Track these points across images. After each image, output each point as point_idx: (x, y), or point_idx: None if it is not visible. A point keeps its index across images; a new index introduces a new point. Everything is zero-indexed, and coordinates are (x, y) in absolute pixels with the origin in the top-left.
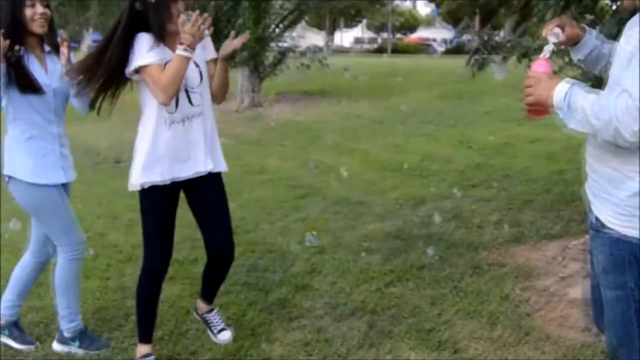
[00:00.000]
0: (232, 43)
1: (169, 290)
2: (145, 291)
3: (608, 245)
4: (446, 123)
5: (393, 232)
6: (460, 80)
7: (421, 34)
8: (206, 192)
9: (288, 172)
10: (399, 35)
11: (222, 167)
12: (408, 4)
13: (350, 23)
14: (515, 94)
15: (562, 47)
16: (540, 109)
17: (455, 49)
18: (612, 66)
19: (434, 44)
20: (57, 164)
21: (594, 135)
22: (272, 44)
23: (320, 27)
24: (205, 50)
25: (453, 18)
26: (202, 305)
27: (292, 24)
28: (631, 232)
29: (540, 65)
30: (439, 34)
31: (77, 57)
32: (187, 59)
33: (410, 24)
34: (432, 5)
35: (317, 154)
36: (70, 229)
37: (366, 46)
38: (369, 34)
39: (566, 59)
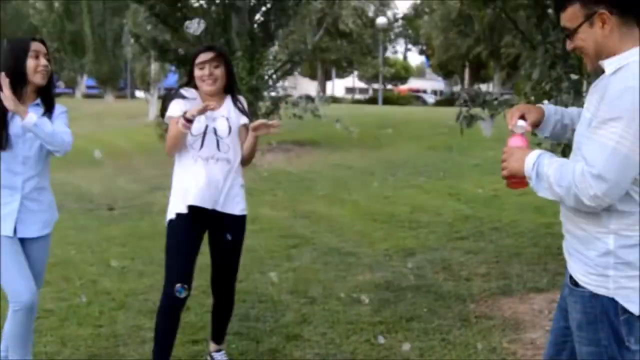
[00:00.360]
0: (267, 128)
1: None
2: (165, 319)
3: (581, 303)
4: (436, 175)
5: (382, 283)
6: (450, 132)
7: (412, 84)
8: (222, 232)
9: (280, 222)
10: (390, 86)
11: (236, 210)
12: (399, 55)
13: (342, 73)
14: (503, 148)
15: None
16: (518, 180)
17: (446, 100)
18: (575, 132)
19: (425, 95)
20: (12, 216)
21: (561, 201)
22: (265, 94)
23: (312, 77)
24: (241, 115)
25: (444, 69)
26: (211, 345)
27: (286, 74)
28: (602, 290)
29: (515, 140)
30: (430, 84)
31: (72, 102)
32: (183, 132)
33: (402, 74)
34: (423, 57)
35: (309, 204)
36: (14, 281)
37: (357, 96)
38: (361, 84)
39: None
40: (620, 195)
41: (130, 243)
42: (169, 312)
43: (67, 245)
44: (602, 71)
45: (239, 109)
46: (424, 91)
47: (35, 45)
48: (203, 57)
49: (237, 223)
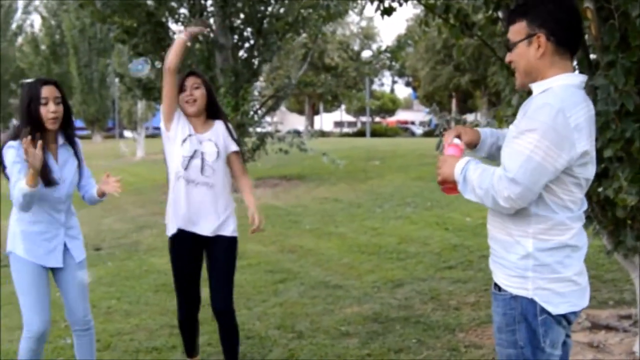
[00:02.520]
0: (249, 212)
1: None
2: (184, 327)
3: (501, 306)
4: (423, 205)
5: (371, 315)
6: (436, 162)
7: (400, 116)
8: (215, 253)
9: (267, 256)
10: (378, 119)
11: (227, 232)
12: (386, 88)
13: (330, 107)
14: None
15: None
16: (451, 186)
17: (433, 131)
18: (503, 146)
19: (412, 127)
20: (60, 249)
21: (482, 203)
22: (251, 129)
23: (300, 112)
24: (229, 142)
25: (430, 101)
26: None
27: (271, 109)
28: (521, 292)
29: (450, 150)
30: (417, 116)
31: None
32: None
33: (389, 107)
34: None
35: (296, 238)
36: (30, 310)
37: (346, 129)
38: (349, 118)
39: None
40: (532, 199)
41: (117, 283)
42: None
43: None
44: (529, 90)
45: (229, 135)
46: (412, 123)
47: (45, 91)
48: (187, 81)
49: (228, 244)
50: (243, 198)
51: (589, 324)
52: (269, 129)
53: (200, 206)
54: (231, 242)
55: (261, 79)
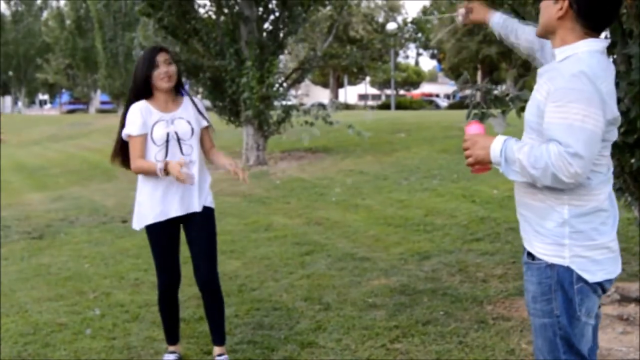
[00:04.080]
0: (227, 166)
1: None
2: (162, 304)
3: (536, 275)
4: (449, 178)
5: (398, 287)
6: (462, 135)
7: (424, 89)
8: (197, 226)
9: (293, 229)
10: (402, 92)
11: (208, 202)
12: (411, 60)
13: (354, 80)
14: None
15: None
16: (481, 167)
17: (459, 104)
18: (526, 110)
19: (437, 100)
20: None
21: (534, 182)
22: (277, 102)
23: (325, 84)
24: (200, 118)
25: (455, 73)
26: (215, 349)
27: (296, 82)
28: (558, 260)
29: (473, 128)
30: (442, 89)
31: (86, 118)
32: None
33: (414, 79)
34: (435, 61)
35: (322, 210)
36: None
37: (370, 102)
38: (373, 91)
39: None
40: (590, 169)
41: (144, 255)
42: (166, 300)
43: (81, 258)
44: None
45: (198, 110)
46: (437, 95)
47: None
48: (160, 57)
49: (208, 214)
50: (218, 163)
51: (618, 296)
52: (294, 101)
53: (186, 185)
54: (210, 212)
55: (286, 51)
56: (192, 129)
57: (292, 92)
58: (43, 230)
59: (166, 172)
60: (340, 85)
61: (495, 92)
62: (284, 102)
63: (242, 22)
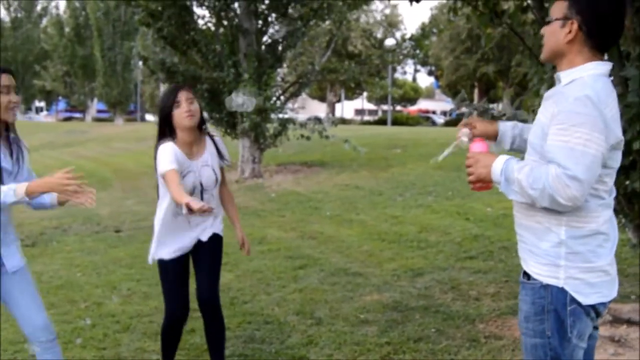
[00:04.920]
0: (238, 233)
1: None
2: (166, 335)
3: (530, 295)
4: (444, 195)
5: (390, 303)
6: (458, 152)
7: (421, 106)
8: (204, 250)
9: (287, 242)
10: (399, 107)
11: (218, 230)
12: (408, 77)
13: (352, 95)
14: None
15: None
16: (482, 185)
17: (455, 121)
18: (530, 133)
19: (434, 116)
20: None
21: (533, 203)
22: (273, 115)
23: (322, 99)
24: (222, 158)
25: (453, 90)
26: None
27: (294, 95)
28: (552, 281)
29: (477, 146)
30: (439, 105)
31: (82, 126)
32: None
33: (411, 96)
34: (432, 78)
35: (316, 225)
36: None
37: (367, 117)
38: (370, 106)
39: None
40: (588, 192)
41: (137, 265)
42: (170, 331)
43: (73, 267)
44: (552, 66)
45: (218, 151)
46: (433, 112)
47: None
48: (181, 95)
49: (216, 240)
50: (228, 216)
51: (611, 317)
52: (291, 114)
53: (198, 224)
54: (218, 239)
55: (285, 64)
56: (217, 179)
57: (289, 105)
58: (36, 238)
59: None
60: (337, 99)
61: (492, 111)
62: (280, 115)
63: (241, 34)
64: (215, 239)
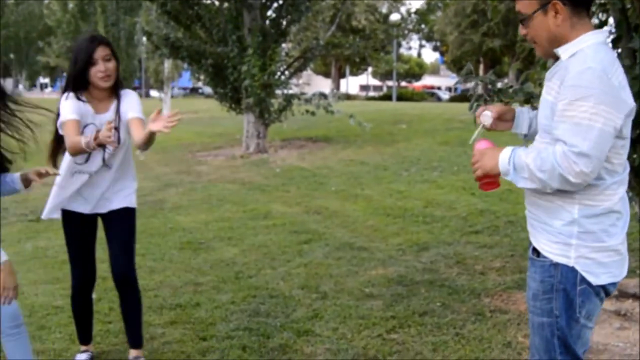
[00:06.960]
0: (162, 122)
1: (170, 335)
2: (75, 303)
3: (539, 273)
4: (449, 170)
5: (395, 278)
6: (463, 127)
7: (426, 81)
8: (113, 224)
9: (292, 217)
10: (404, 83)
11: (124, 204)
12: (413, 52)
13: (356, 71)
14: (518, 141)
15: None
16: (490, 181)
17: (460, 97)
18: (538, 115)
19: (439, 92)
20: None
21: (544, 188)
22: (278, 91)
23: (326, 74)
24: (127, 112)
25: (458, 66)
26: (130, 351)
27: (298, 70)
28: (563, 260)
29: (482, 144)
30: (444, 81)
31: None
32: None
33: (416, 71)
34: (437, 54)
35: (321, 200)
36: None
37: (372, 93)
38: (375, 82)
39: None
40: (600, 168)
41: (142, 240)
42: (80, 299)
43: None
44: (555, 57)
45: (131, 106)
46: (439, 88)
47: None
48: (100, 52)
49: (127, 213)
50: (148, 130)
51: (616, 292)
52: (296, 90)
53: (96, 187)
54: (129, 212)
55: (289, 39)
56: (119, 138)
57: (294, 80)
58: (41, 214)
59: (99, 144)
60: (341, 75)
61: (499, 84)
62: (285, 91)
63: (245, 9)
64: (126, 211)
